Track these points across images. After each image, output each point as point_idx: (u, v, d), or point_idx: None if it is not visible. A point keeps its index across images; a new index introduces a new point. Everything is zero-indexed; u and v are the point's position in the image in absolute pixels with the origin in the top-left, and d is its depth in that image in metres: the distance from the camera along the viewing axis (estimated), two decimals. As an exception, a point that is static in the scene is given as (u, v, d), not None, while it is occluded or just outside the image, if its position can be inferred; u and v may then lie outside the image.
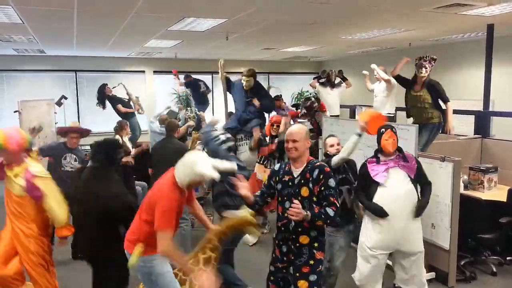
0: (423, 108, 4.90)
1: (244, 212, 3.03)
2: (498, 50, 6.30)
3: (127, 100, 8.20)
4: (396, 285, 3.57)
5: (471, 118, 5.96)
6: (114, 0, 4.43)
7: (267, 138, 5.46)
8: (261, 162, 5.30)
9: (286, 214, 2.60)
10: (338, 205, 2.61)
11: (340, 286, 3.85)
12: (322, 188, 2.61)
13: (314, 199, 2.63)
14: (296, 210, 2.49)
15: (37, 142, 5.23)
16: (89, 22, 5.69)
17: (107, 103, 8.18)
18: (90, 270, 3.31)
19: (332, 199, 2.60)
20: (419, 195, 3.31)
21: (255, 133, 5.15)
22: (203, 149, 4.13)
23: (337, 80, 7.17)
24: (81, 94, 10.77)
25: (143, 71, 11.28)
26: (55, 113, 8.30)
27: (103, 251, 3.01)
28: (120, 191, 3.16)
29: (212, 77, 11.55)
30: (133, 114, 8.16)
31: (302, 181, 2.66)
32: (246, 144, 5.22)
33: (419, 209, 3.25)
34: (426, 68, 4.82)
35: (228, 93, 5.60)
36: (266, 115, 5.96)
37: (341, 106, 7.48)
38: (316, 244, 2.67)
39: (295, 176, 2.69)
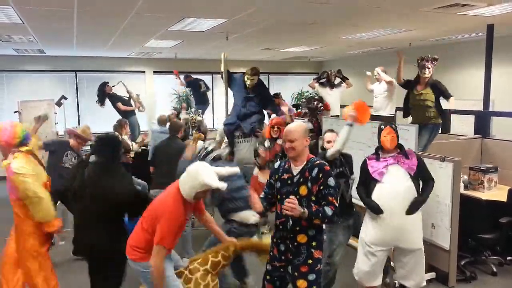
0: (425, 106, 4.93)
1: (268, 239, 3.00)
2: (498, 50, 6.30)
3: (127, 98, 8.22)
4: (396, 281, 3.58)
5: (471, 118, 5.97)
6: (114, 0, 4.42)
7: (267, 142, 5.37)
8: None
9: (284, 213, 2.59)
10: (336, 205, 2.58)
11: (340, 285, 3.86)
12: (321, 188, 2.57)
13: (313, 198, 2.59)
14: (291, 205, 2.45)
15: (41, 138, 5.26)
16: (89, 22, 5.69)
17: (107, 102, 8.20)
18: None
19: (330, 198, 2.56)
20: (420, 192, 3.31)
21: (262, 154, 5.11)
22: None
23: (337, 80, 7.17)
24: (81, 94, 10.77)
25: (143, 71, 11.28)
26: (55, 113, 8.30)
27: (105, 251, 3.00)
28: (131, 183, 3.16)
29: (212, 77, 11.54)
30: (133, 112, 8.18)
31: (301, 179, 2.62)
32: (244, 142, 5.16)
33: (413, 205, 3.23)
34: (429, 68, 4.88)
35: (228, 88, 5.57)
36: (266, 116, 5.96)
37: (342, 106, 7.48)
38: (314, 243, 2.65)
39: (295, 174, 2.65)
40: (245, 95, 5.17)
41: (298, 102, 11.16)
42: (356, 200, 3.61)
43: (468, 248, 4.32)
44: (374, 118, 5.83)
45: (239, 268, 3.66)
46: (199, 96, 8.73)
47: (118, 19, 5.45)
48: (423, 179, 3.36)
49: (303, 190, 2.61)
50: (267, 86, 11.81)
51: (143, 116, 9.16)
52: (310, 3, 4.61)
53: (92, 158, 3.26)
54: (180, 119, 7.13)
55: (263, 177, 4.96)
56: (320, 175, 2.58)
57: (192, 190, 2.68)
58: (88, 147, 5.04)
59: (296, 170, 2.66)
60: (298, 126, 2.69)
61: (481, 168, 4.81)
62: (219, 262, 3.00)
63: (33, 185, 3.04)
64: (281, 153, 5.17)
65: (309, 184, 2.59)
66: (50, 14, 5.05)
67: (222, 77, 5.38)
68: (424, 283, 3.47)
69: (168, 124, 7.19)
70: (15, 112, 7.30)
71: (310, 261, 2.63)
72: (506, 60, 7.35)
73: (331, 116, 6.50)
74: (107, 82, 8.26)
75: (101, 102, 8.20)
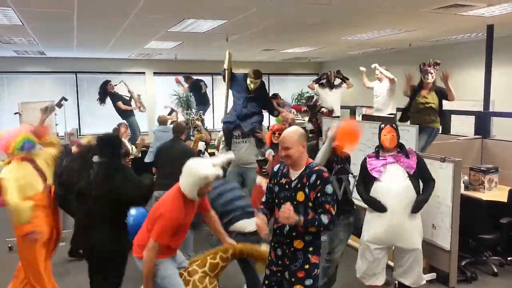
0: (428, 109, 4.95)
1: (266, 248, 3.00)
2: (498, 50, 6.30)
3: (128, 99, 8.24)
4: (395, 278, 3.58)
5: (471, 118, 5.96)
6: (114, 2, 4.43)
7: (269, 149, 5.30)
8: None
9: (279, 221, 2.56)
10: (333, 213, 2.52)
11: (340, 285, 3.86)
12: (319, 195, 2.52)
13: (310, 204, 2.55)
14: (286, 214, 2.43)
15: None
16: (89, 24, 5.70)
17: (108, 100, 8.22)
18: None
19: (327, 206, 2.50)
20: (421, 192, 3.30)
21: (269, 158, 5.08)
22: None
23: (337, 81, 7.16)
24: (81, 96, 10.78)
25: (143, 73, 11.29)
26: (55, 114, 8.30)
27: (106, 251, 3.01)
28: (135, 182, 3.16)
29: (212, 78, 11.55)
30: (132, 113, 8.19)
31: (299, 185, 2.57)
32: (243, 142, 5.13)
33: (416, 205, 3.24)
34: (432, 73, 4.90)
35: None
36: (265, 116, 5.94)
37: (342, 107, 7.48)
38: (311, 249, 2.61)
39: (293, 179, 2.61)
40: (246, 96, 5.16)
41: (298, 102, 11.16)
42: (357, 201, 3.61)
43: (468, 248, 4.32)
44: (374, 118, 5.84)
45: (251, 280, 3.63)
46: (200, 97, 8.74)
47: (118, 21, 5.45)
48: (423, 180, 3.36)
49: (300, 196, 2.56)
50: (267, 86, 11.86)
51: (143, 116, 9.15)
52: (310, 4, 4.61)
53: (95, 158, 3.27)
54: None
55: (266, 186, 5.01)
56: (318, 182, 2.52)
57: (194, 188, 2.70)
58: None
59: (294, 175, 2.61)
60: (293, 132, 2.62)
61: (482, 168, 4.81)
62: (218, 264, 3.00)
63: (10, 189, 3.11)
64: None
65: (307, 190, 2.54)
66: (50, 15, 5.05)
67: (224, 76, 5.35)
68: (424, 281, 3.48)
69: (169, 123, 7.27)
70: (15, 113, 7.29)
71: (307, 266, 2.59)
72: (506, 61, 7.35)
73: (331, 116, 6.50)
74: (110, 81, 8.30)
75: (102, 100, 8.23)
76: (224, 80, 5.36)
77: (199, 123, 6.81)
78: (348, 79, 7.20)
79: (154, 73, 11.35)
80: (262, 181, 4.87)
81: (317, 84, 7.16)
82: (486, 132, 5.69)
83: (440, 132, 5.27)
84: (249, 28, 6.15)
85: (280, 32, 6.55)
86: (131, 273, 3.15)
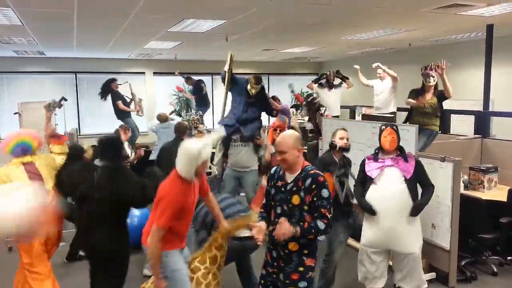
0: (428, 111, 4.97)
1: (254, 215, 3.03)
2: (498, 50, 6.30)
3: (128, 100, 8.23)
4: (395, 284, 3.57)
5: (471, 118, 5.97)
6: (114, 2, 4.43)
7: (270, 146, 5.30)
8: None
9: (275, 238, 2.53)
10: (329, 217, 2.52)
11: (340, 286, 3.87)
12: (315, 199, 2.51)
13: (305, 207, 2.54)
14: (281, 231, 2.44)
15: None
16: (89, 24, 5.70)
17: (108, 100, 8.22)
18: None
19: (323, 211, 2.50)
20: (418, 196, 3.28)
21: (267, 158, 5.07)
22: None
23: (337, 81, 7.16)
24: (81, 96, 10.78)
25: (143, 73, 11.29)
26: (55, 114, 8.30)
27: (107, 251, 3.01)
28: (137, 184, 3.17)
29: (212, 78, 11.55)
30: (129, 114, 8.19)
31: (294, 188, 2.56)
32: (242, 146, 5.12)
33: (413, 210, 3.22)
34: (434, 76, 4.94)
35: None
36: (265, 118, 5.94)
37: (342, 107, 7.49)
38: (306, 251, 2.60)
39: (288, 182, 2.60)
40: (246, 100, 5.16)
41: (298, 103, 11.15)
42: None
43: (468, 248, 4.32)
44: (375, 118, 5.85)
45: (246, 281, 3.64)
46: (201, 98, 8.74)
47: (118, 21, 5.45)
48: (421, 185, 3.33)
49: (295, 199, 2.55)
50: (267, 86, 11.87)
51: (142, 118, 9.13)
52: (310, 4, 4.61)
53: (97, 161, 3.27)
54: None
55: None
56: (313, 186, 2.51)
57: (191, 168, 2.72)
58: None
59: (290, 178, 2.61)
60: (288, 136, 2.61)
61: (481, 168, 4.81)
62: (215, 255, 3.02)
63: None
64: None
65: (302, 194, 2.54)
66: (50, 15, 5.05)
67: (223, 77, 5.34)
68: (425, 285, 3.43)
69: (168, 121, 7.28)
70: (15, 113, 7.29)
71: (301, 269, 2.58)
72: (505, 60, 7.36)
73: (332, 116, 6.50)
74: (116, 79, 8.27)
75: (103, 96, 8.22)
76: (223, 82, 5.36)
77: (201, 125, 6.86)
78: (348, 78, 7.20)
79: (154, 73, 11.35)
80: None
81: (316, 84, 7.17)
82: (485, 131, 5.70)
83: (439, 132, 5.29)
84: (249, 28, 6.15)
85: (280, 32, 6.56)
86: (133, 273, 3.15)
